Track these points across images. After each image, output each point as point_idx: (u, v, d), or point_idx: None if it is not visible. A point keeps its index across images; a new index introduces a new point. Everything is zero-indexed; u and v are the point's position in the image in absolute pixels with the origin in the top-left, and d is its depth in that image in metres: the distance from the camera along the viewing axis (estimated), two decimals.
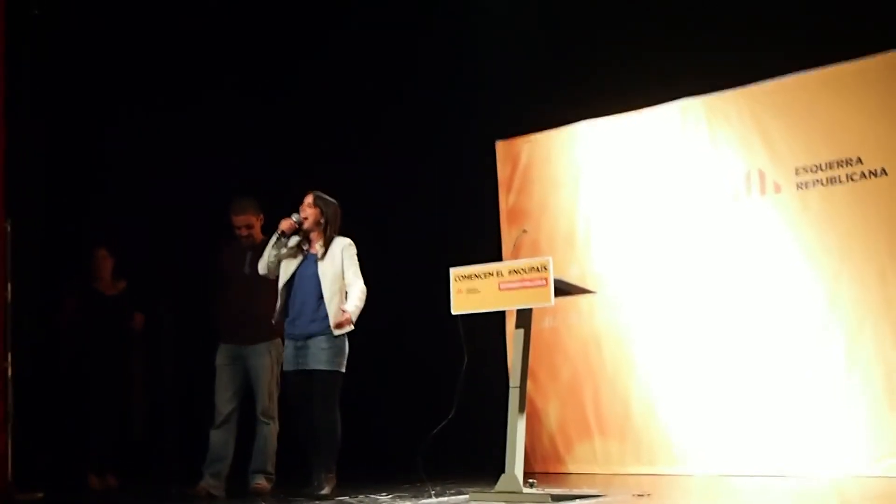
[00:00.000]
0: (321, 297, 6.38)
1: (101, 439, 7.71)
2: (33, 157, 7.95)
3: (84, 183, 8.47)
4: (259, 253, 6.63)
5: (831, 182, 6.96)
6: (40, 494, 7.05)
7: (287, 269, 6.51)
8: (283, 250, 6.50)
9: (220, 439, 6.80)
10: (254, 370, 6.86)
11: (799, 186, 7.09)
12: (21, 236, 7.28)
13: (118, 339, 7.80)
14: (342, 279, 6.46)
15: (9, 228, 7.11)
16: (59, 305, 7.90)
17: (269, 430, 6.85)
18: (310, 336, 6.36)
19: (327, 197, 6.60)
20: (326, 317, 6.34)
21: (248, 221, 6.98)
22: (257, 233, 7.01)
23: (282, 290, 6.49)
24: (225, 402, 6.84)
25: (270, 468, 6.86)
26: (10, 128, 7.01)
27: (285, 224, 6.47)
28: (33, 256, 7.84)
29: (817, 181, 7.02)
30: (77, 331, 7.80)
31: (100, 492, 7.51)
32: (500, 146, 8.56)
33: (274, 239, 6.48)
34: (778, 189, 7.17)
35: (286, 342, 6.52)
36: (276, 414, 6.89)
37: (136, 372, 8.01)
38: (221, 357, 6.92)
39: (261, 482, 6.80)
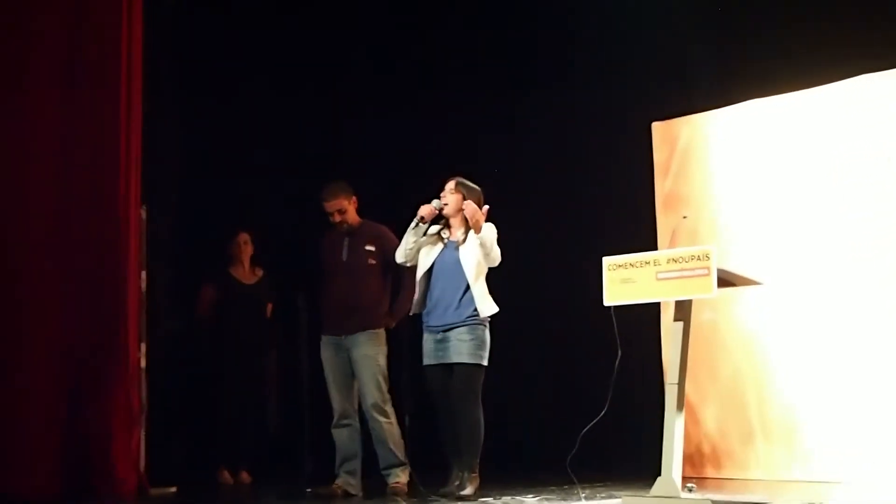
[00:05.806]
0: (463, 284, 6.15)
1: (235, 434, 7.64)
2: (169, 143, 7.92)
3: (219, 170, 8.43)
4: (357, 238, 6.57)
5: None
6: (173, 489, 6.97)
7: (426, 258, 6.31)
8: (423, 237, 6.29)
9: (344, 437, 6.62)
10: (357, 361, 6.60)
11: None
12: (155, 224, 7.23)
13: (255, 331, 7.65)
14: (484, 264, 6.20)
15: (144, 216, 7.06)
16: (197, 294, 7.76)
17: (382, 428, 6.53)
18: (449, 327, 6.14)
19: (470, 183, 6.38)
20: (468, 305, 6.12)
21: (340, 206, 6.72)
22: (352, 216, 6.76)
23: (420, 279, 6.30)
24: (338, 399, 6.63)
25: (401, 457, 6.58)
26: (147, 115, 6.98)
27: (425, 210, 6.27)
28: (167, 244, 7.79)
29: None
30: (214, 320, 7.67)
31: (233, 488, 7.43)
32: (657, 128, 8.11)
33: (413, 224, 6.27)
34: None
35: (425, 335, 6.30)
36: (390, 409, 6.59)
37: (269, 365, 7.89)
38: (325, 350, 6.71)
39: (398, 480, 6.56)
